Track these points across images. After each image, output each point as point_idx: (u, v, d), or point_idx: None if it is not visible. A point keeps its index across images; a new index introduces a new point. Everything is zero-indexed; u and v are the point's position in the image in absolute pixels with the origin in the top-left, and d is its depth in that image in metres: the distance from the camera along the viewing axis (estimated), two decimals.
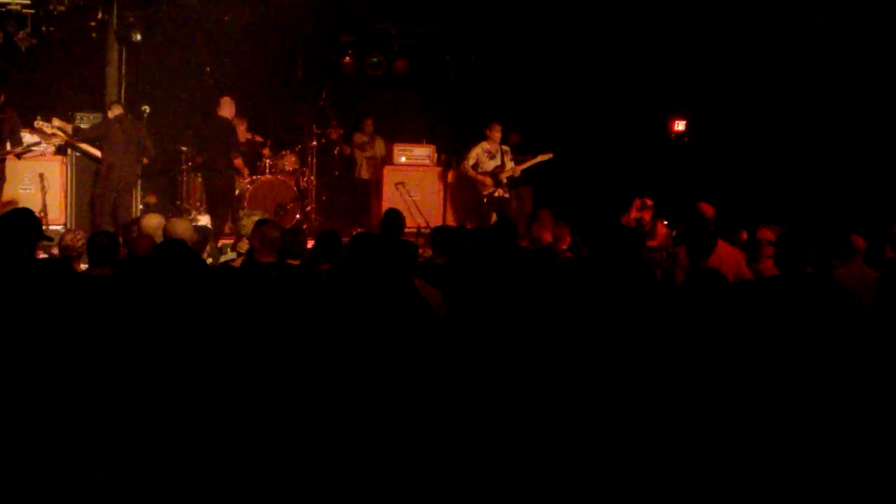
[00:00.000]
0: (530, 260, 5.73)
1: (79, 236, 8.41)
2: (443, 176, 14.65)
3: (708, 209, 9.43)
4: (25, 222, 6.50)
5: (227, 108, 13.11)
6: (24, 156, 12.12)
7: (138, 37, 13.97)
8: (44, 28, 13.71)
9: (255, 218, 8.98)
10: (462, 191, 14.52)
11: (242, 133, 14.25)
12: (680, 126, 15.41)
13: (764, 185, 13.57)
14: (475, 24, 15.67)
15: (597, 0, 14.64)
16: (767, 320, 5.27)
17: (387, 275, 5.15)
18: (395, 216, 9.05)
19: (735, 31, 13.80)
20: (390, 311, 4.85)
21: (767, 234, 8.78)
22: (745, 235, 9.59)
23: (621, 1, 14.48)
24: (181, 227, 7.89)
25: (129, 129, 12.50)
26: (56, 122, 12.58)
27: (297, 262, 7.23)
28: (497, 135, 13.73)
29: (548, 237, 9.80)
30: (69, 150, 12.89)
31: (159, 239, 7.92)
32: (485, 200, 13.63)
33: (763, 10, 13.40)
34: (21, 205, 11.20)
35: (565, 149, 14.66)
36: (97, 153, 12.63)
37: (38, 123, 12.38)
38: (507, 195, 13.72)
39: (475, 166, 13.71)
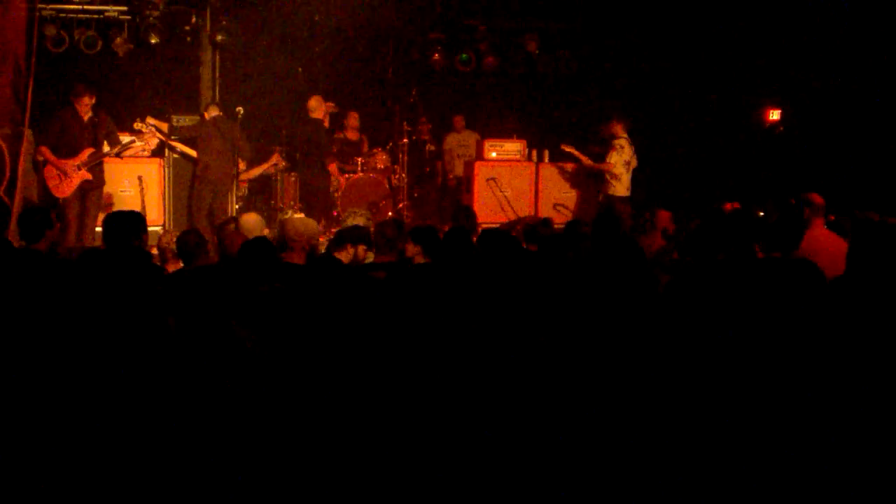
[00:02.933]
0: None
1: (174, 237, 8.62)
2: (534, 171, 14.61)
3: (818, 199, 9.21)
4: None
5: (316, 109, 13.26)
6: (124, 155, 12.35)
7: (219, 38, 14.23)
8: (140, 34, 14.03)
9: (360, 219, 9.04)
10: (553, 186, 14.50)
11: (353, 132, 14.47)
12: (774, 115, 15.16)
13: (859, 174, 13.29)
14: (564, 19, 15.62)
15: None
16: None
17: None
18: (466, 212, 9.29)
19: (830, 19, 13.54)
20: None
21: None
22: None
23: None
24: (303, 227, 7.90)
25: (225, 131, 12.67)
26: (150, 119, 12.77)
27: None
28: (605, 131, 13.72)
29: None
30: (166, 152, 13.11)
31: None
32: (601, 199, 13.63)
33: None
34: (120, 207, 11.51)
35: (658, 139, 14.56)
36: (193, 153, 12.85)
37: (137, 125, 12.60)
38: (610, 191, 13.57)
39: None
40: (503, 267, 5.86)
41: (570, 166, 14.41)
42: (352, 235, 8.21)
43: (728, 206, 10.27)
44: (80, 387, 4.20)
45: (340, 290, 5.06)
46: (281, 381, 4.20)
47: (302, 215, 12.47)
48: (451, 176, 15.43)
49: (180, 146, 12.99)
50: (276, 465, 3.91)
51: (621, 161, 13.33)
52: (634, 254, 4.99)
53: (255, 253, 6.34)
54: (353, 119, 14.63)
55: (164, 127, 12.96)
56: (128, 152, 12.44)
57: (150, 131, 12.63)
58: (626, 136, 13.37)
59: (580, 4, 15.41)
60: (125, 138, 12.30)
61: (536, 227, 8.87)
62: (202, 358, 4.36)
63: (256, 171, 13.90)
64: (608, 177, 13.41)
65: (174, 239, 8.68)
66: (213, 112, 12.93)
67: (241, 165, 13.10)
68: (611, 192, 13.39)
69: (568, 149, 13.77)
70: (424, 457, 3.95)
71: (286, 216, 9.14)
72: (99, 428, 3.98)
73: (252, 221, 8.66)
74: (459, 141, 15.39)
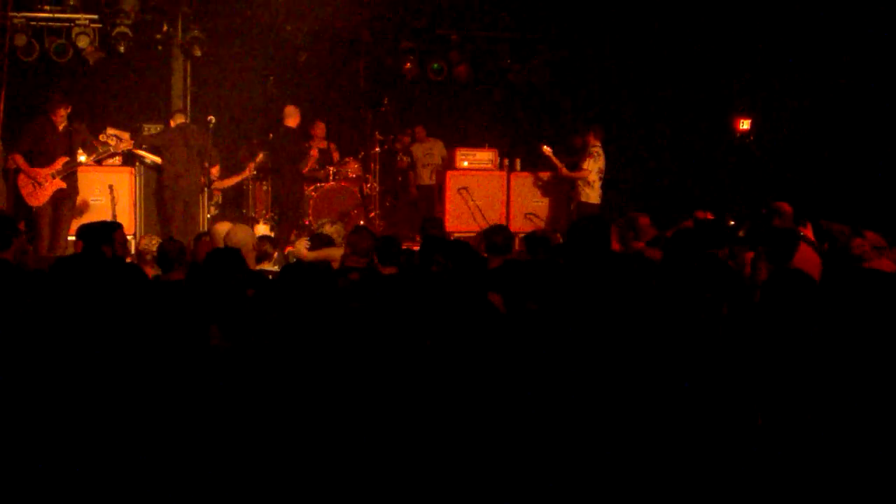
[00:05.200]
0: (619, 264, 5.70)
1: (154, 241, 8.64)
2: (506, 180, 14.64)
3: (787, 208, 9.31)
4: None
5: (292, 118, 13.29)
6: (103, 162, 12.39)
7: (198, 52, 14.20)
8: (110, 42, 13.99)
9: (339, 227, 9.12)
10: (525, 195, 14.55)
11: (320, 140, 14.46)
12: (745, 125, 15.28)
13: (829, 183, 13.42)
14: (536, 29, 15.70)
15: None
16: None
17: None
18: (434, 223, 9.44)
19: (801, 28, 13.68)
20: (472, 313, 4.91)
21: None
22: (810, 230, 9.46)
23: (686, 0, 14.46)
24: (241, 234, 8.01)
25: (191, 139, 12.61)
26: (111, 130, 12.67)
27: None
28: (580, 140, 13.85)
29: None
30: (137, 162, 13.06)
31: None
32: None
33: (829, 8, 13.27)
34: (91, 215, 11.49)
35: (630, 148, 14.67)
36: (158, 160, 12.79)
37: (102, 136, 12.52)
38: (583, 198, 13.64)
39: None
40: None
41: (542, 175, 14.47)
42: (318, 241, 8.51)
43: (700, 214, 10.34)
44: (54, 392, 4.21)
45: (314, 295, 5.07)
46: (257, 386, 4.23)
47: (230, 224, 12.49)
48: (417, 184, 15.43)
49: (149, 156, 12.91)
50: (254, 469, 3.93)
51: (596, 168, 13.44)
52: None
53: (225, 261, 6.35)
54: (320, 129, 14.62)
55: (126, 136, 12.80)
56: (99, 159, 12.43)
57: (115, 142, 12.53)
58: (600, 145, 13.51)
59: (552, 15, 15.48)
60: (110, 136, 12.30)
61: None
62: (179, 364, 4.37)
63: (233, 181, 13.89)
64: (581, 184, 13.50)
65: (153, 243, 8.74)
66: (178, 120, 12.87)
67: (215, 173, 13.05)
68: (584, 199, 13.48)
69: (547, 151, 13.80)
70: (395, 459, 3.99)
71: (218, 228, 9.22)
72: (77, 432, 3.99)
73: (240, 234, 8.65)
74: (423, 150, 15.38)
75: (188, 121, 13.05)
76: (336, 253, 8.34)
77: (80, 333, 4.62)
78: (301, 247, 8.98)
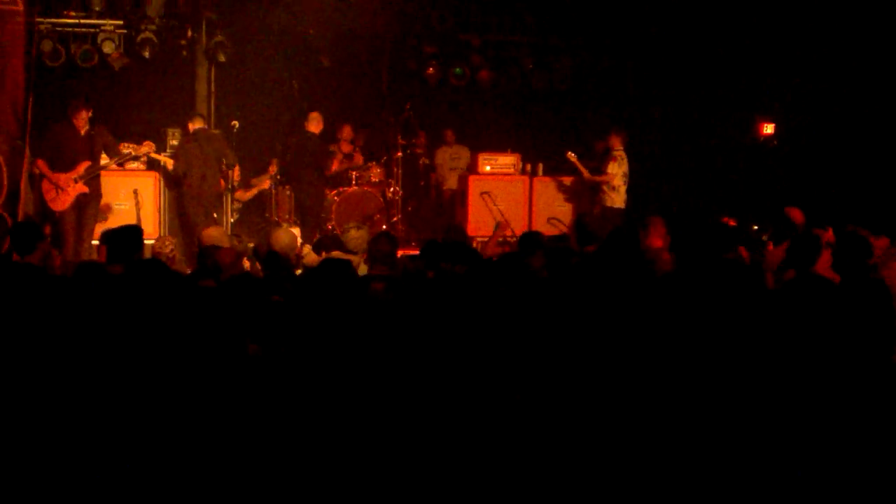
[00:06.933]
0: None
1: (167, 242, 8.68)
2: (528, 184, 14.62)
3: (797, 215, 9.26)
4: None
5: (314, 123, 13.29)
6: (125, 165, 12.43)
7: (223, 57, 14.26)
8: (135, 48, 14.09)
9: (364, 232, 9.08)
10: (547, 199, 14.52)
11: (346, 143, 14.55)
12: (769, 129, 15.21)
13: (853, 188, 13.33)
14: (558, 34, 15.69)
15: (681, 3, 14.58)
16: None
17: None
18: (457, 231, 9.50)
19: (824, 32, 13.61)
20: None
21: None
22: (831, 234, 9.40)
23: (708, 3, 14.40)
24: (287, 239, 8.04)
25: (205, 144, 12.55)
26: (125, 147, 12.60)
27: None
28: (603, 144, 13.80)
29: (658, 243, 9.65)
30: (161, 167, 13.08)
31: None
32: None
33: (854, 11, 13.20)
34: (116, 219, 11.53)
35: (653, 153, 14.62)
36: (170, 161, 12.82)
37: (126, 148, 12.47)
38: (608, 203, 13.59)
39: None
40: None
41: (565, 179, 14.43)
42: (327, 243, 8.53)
43: (724, 220, 10.29)
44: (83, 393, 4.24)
45: (343, 300, 5.07)
46: (287, 390, 4.24)
47: (285, 226, 12.46)
48: (444, 188, 15.44)
49: (167, 160, 12.92)
50: (281, 471, 3.94)
51: (620, 172, 13.37)
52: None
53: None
54: (347, 132, 14.70)
55: (147, 143, 12.69)
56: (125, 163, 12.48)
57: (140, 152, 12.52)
58: (622, 149, 13.46)
59: (575, 19, 15.48)
60: (125, 149, 12.32)
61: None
62: (212, 367, 4.39)
63: (254, 192, 13.97)
64: (606, 188, 13.44)
65: (167, 245, 8.79)
66: (197, 124, 12.72)
67: (236, 176, 13.02)
68: (608, 204, 13.43)
69: (572, 158, 13.78)
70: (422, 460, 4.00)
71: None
72: (104, 436, 4.01)
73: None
74: (451, 154, 15.40)
75: (206, 125, 13.04)
76: (353, 260, 8.33)
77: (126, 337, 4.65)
78: (306, 253, 9.01)
